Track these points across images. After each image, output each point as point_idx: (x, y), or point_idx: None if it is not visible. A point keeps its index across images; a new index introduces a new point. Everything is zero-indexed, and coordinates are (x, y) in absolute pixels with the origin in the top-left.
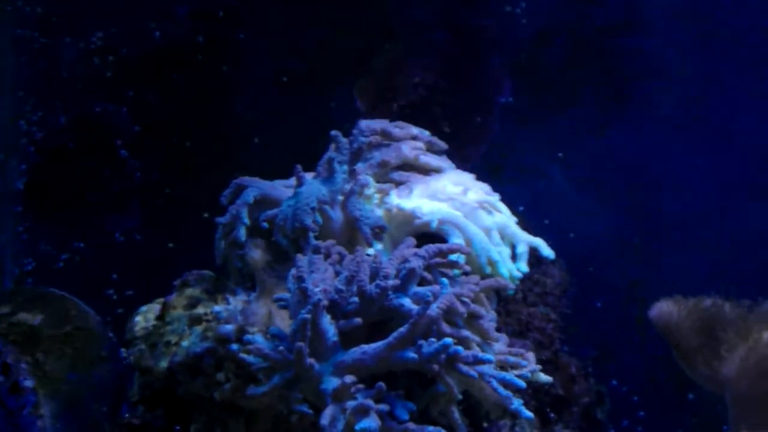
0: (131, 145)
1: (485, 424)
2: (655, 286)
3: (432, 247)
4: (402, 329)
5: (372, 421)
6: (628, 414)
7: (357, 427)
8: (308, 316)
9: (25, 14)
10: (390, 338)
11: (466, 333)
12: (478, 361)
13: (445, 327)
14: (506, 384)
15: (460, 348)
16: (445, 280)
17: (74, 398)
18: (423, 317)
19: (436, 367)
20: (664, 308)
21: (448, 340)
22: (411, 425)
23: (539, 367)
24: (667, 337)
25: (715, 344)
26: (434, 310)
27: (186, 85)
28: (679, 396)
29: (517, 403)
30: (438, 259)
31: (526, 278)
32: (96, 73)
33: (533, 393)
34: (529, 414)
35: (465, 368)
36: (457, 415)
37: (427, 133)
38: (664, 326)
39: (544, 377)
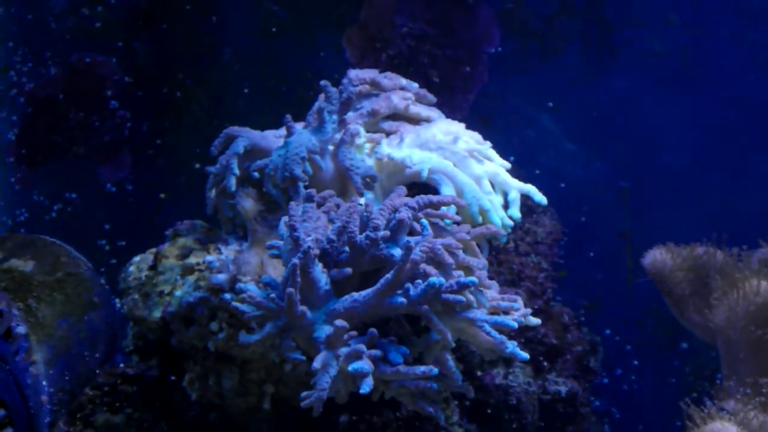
0: (121, 96)
1: (479, 373)
2: (647, 235)
3: (422, 198)
4: (388, 275)
5: (364, 364)
6: (621, 362)
7: (349, 368)
8: (298, 262)
9: None
10: (378, 285)
11: (455, 274)
12: (462, 286)
13: (431, 269)
14: (499, 327)
15: (442, 279)
16: (424, 221)
17: (67, 344)
18: (407, 262)
19: (425, 307)
20: (658, 256)
21: (433, 279)
22: (402, 366)
23: (529, 310)
24: (661, 286)
25: (706, 292)
26: (417, 254)
27: (175, 35)
28: (672, 344)
29: (511, 346)
30: (429, 210)
31: (517, 228)
32: (85, 24)
33: (526, 342)
34: (525, 355)
35: (451, 297)
36: (451, 362)
37: (415, 85)
38: (657, 274)
39: (534, 320)
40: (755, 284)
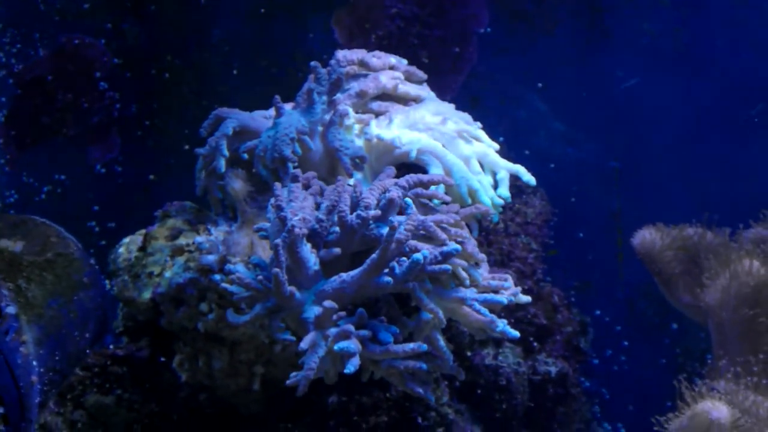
0: (110, 78)
1: (468, 353)
2: (636, 215)
3: (412, 177)
4: (374, 255)
5: (351, 343)
6: (611, 343)
7: (336, 348)
8: (282, 242)
9: None
10: (364, 265)
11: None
12: (446, 254)
13: (420, 244)
14: (489, 305)
15: (425, 252)
16: (408, 200)
17: (57, 324)
18: (391, 241)
19: (413, 284)
20: (647, 236)
21: (417, 255)
22: (391, 345)
23: (519, 289)
24: (650, 266)
25: (697, 272)
26: (402, 232)
27: (164, 17)
28: (662, 325)
29: (501, 324)
30: (418, 189)
31: (507, 208)
32: (74, 5)
33: (516, 323)
34: (515, 333)
35: (437, 267)
36: (442, 342)
37: (404, 62)
38: (646, 254)
39: (525, 298)
40: (748, 264)
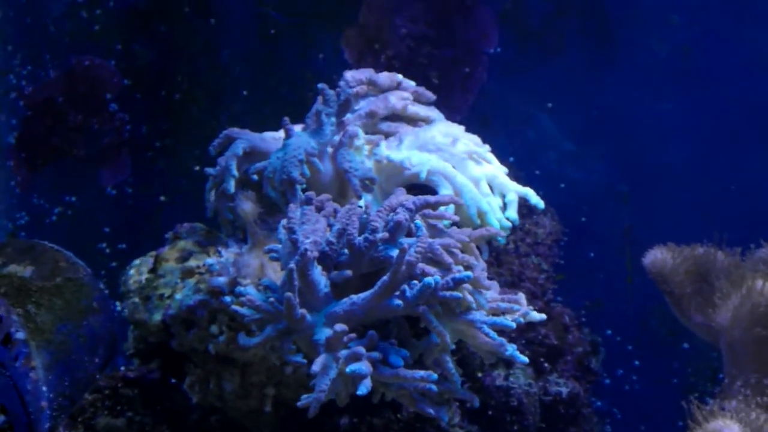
0: (120, 99)
1: (479, 375)
2: (647, 234)
3: (420, 199)
4: (384, 277)
5: (363, 366)
6: (622, 363)
7: (347, 370)
8: (295, 266)
9: None
10: (375, 287)
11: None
12: (458, 282)
13: (429, 268)
14: (498, 328)
15: (437, 277)
16: (419, 222)
17: (66, 349)
18: (401, 263)
19: (423, 308)
20: (658, 256)
21: (428, 279)
22: (402, 370)
23: (531, 308)
24: (661, 285)
25: (708, 292)
26: (412, 255)
27: (174, 37)
28: (674, 345)
29: (511, 349)
30: (427, 211)
31: (517, 229)
32: (84, 27)
33: (526, 343)
34: (524, 358)
35: (448, 294)
36: (451, 364)
37: (412, 83)
38: (658, 274)
39: (538, 315)
40: (760, 284)
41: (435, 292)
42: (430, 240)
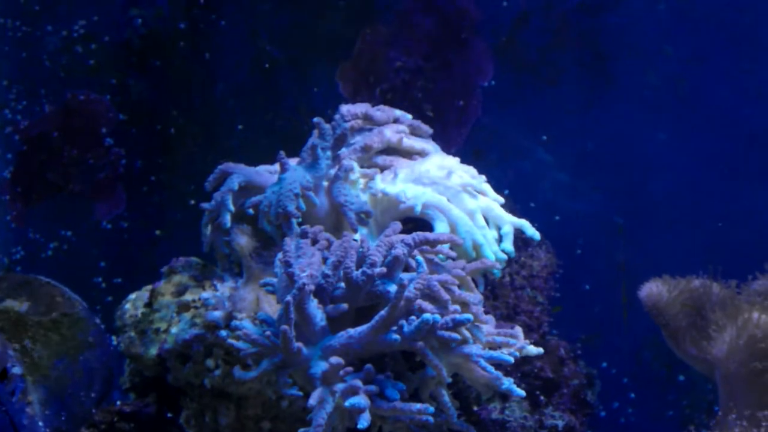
0: (115, 133)
1: (475, 408)
2: (642, 267)
3: (419, 236)
4: (382, 312)
5: (361, 399)
6: (618, 396)
7: (346, 404)
8: (291, 299)
9: (6, 3)
10: (373, 321)
11: (452, 309)
12: (458, 323)
13: (426, 305)
14: (495, 362)
15: (437, 316)
16: (419, 258)
17: (62, 384)
18: (400, 299)
19: (420, 344)
20: (654, 289)
21: (427, 315)
22: (399, 403)
23: (528, 342)
24: (657, 318)
25: (704, 324)
26: (411, 290)
27: (169, 72)
28: (669, 377)
29: (507, 382)
30: (425, 247)
31: (512, 261)
32: (79, 62)
33: (522, 376)
34: (521, 392)
35: (446, 334)
36: (447, 397)
37: (409, 116)
38: (653, 306)
39: (534, 350)
40: (756, 317)
41: (434, 329)
42: (429, 276)
